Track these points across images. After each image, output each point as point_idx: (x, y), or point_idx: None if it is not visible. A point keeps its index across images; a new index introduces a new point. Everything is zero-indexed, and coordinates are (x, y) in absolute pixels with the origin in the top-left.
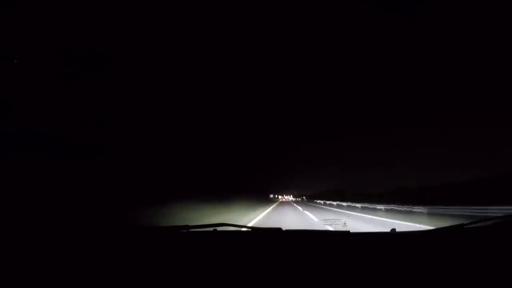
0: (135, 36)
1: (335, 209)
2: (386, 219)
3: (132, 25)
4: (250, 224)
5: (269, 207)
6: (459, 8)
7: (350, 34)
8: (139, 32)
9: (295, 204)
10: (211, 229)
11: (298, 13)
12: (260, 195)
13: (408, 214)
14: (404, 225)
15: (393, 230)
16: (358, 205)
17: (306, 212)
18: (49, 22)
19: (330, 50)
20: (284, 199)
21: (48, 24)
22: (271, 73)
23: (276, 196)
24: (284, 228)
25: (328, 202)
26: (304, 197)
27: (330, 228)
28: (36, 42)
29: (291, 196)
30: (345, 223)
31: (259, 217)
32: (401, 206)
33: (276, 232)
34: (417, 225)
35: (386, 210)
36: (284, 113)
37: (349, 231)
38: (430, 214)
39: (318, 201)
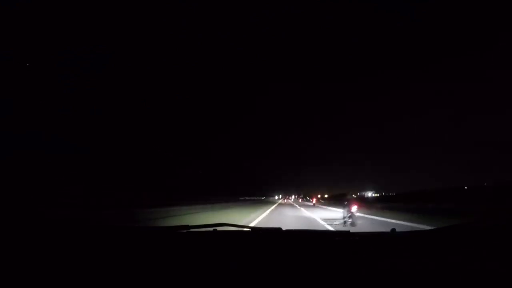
0: (135, 36)
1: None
2: None
3: (132, 25)
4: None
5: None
6: (459, 8)
7: (350, 34)
8: (139, 32)
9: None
10: (211, 229)
11: (298, 13)
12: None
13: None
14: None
15: (393, 230)
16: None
17: None
18: (49, 22)
19: (330, 51)
20: (284, 201)
21: (48, 24)
22: (274, 73)
23: (280, 197)
24: (284, 228)
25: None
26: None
27: (330, 228)
28: (36, 42)
29: (293, 196)
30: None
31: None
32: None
33: (276, 232)
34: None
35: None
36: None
37: (349, 231)
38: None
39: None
